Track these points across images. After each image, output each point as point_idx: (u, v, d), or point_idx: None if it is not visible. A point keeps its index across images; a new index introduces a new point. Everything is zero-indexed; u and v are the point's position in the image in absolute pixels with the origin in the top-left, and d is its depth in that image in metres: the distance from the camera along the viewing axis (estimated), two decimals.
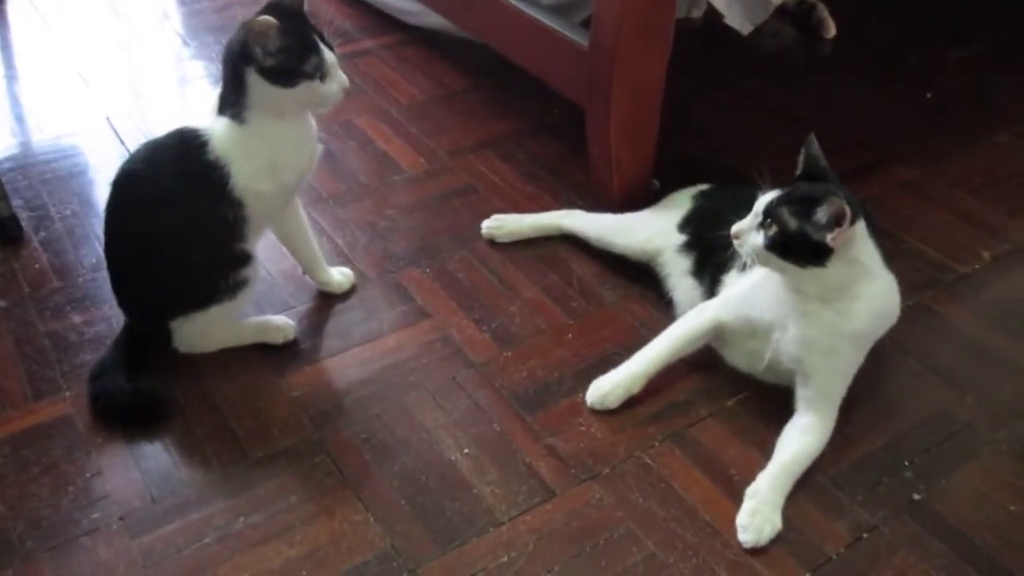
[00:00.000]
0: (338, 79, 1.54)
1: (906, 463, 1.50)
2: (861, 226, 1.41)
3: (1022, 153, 2.24)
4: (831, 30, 2.74)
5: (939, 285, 1.83)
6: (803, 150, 1.49)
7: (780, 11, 2.71)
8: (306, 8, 1.54)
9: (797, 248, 1.40)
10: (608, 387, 1.57)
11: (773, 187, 1.45)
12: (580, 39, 1.90)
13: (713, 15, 2.41)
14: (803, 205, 1.39)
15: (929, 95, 2.49)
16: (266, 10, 1.49)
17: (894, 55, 2.69)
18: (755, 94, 2.49)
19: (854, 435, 1.52)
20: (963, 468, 1.50)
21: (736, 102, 2.46)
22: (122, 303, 1.64)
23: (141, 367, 1.58)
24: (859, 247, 1.43)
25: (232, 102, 1.52)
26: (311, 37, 1.51)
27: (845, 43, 2.73)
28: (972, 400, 1.61)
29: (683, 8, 2.15)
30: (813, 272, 1.42)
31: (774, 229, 1.41)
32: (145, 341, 1.62)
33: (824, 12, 2.75)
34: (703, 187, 1.85)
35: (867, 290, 1.46)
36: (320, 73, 1.51)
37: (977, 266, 1.90)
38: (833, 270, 1.41)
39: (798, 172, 1.49)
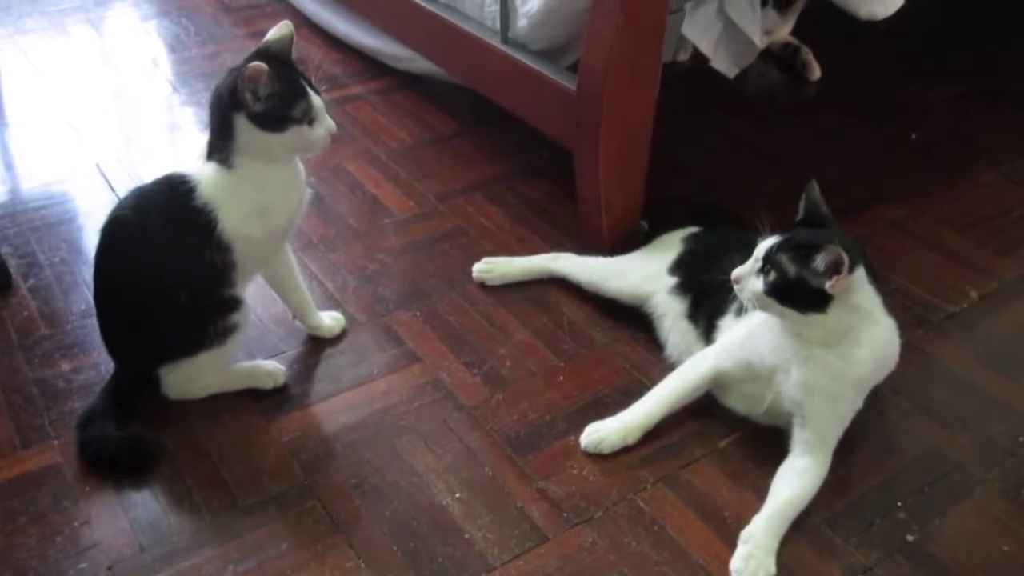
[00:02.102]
0: (325, 124, 1.55)
1: (899, 503, 1.50)
2: (861, 272, 1.42)
3: (1007, 192, 2.26)
4: (816, 72, 2.77)
5: (928, 324, 1.84)
6: (804, 195, 1.50)
7: (765, 54, 2.74)
8: (294, 54, 1.56)
9: (797, 295, 1.41)
10: (604, 433, 1.56)
11: (772, 232, 1.46)
12: (568, 83, 1.92)
13: (700, 59, 2.44)
14: (802, 252, 1.39)
15: (914, 135, 2.51)
16: (255, 56, 1.50)
17: (879, 96, 2.72)
18: (742, 136, 2.51)
19: (847, 476, 1.52)
20: (956, 508, 1.49)
21: (723, 144, 2.48)
22: (111, 350, 1.64)
23: (130, 414, 1.58)
24: (859, 293, 1.43)
25: (220, 147, 1.53)
26: (299, 82, 1.52)
27: (830, 85, 2.76)
28: (964, 439, 1.61)
29: (670, 52, 2.18)
30: (814, 318, 1.42)
31: (774, 275, 1.41)
32: (133, 388, 1.61)
33: (808, 55, 2.78)
34: (693, 229, 1.86)
35: (869, 335, 1.47)
36: (308, 118, 1.52)
37: (965, 305, 1.91)
38: (834, 316, 1.41)
39: (799, 217, 1.49)
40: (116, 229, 1.56)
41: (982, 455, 1.58)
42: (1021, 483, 1.53)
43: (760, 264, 1.44)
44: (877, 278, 1.48)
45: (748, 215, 1.75)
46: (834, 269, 1.36)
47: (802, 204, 1.50)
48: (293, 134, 1.52)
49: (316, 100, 1.53)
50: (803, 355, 1.47)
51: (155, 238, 1.53)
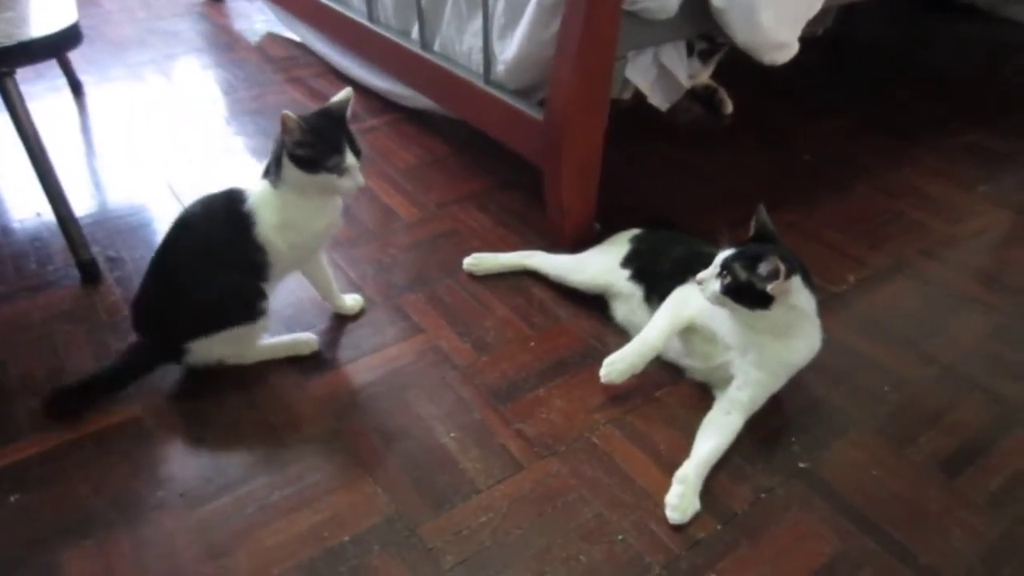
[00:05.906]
0: (354, 179, 1.52)
1: (794, 439, 1.52)
2: (797, 280, 1.41)
3: (877, 200, 2.29)
4: (729, 108, 2.79)
5: (816, 302, 1.85)
6: (754, 217, 1.49)
7: (690, 93, 2.75)
8: (348, 115, 1.54)
9: (746, 295, 1.41)
10: (620, 367, 1.54)
11: (729, 245, 1.46)
12: (537, 115, 1.92)
13: (639, 96, 2.45)
14: (750, 261, 1.40)
15: (806, 157, 2.53)
16: (315, 113, 1.50)
17: (778, 126, 2.73)
18: (673, 157, 2.52)
19: (755, 419, 1.53)
20: (838, 442, 1.52)
21: (658, 163, 2.49)
22: (148, 327, 1.58)
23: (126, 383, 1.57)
24: (794, 296, 1.42)
25: (272, 171, 1.53)
26: (340, 140, 1.49)
27: (740, 117, 2.78)
28: (843, 390, 1.64)
29: (616, 90, 2.18)
30: (759, 313, 1.42)
31: (728, 279, 1.42)
32: (152, 361, 1.58)
33: (723, 94, 2.80)
34: (636, 231, 1.85)
35: (804, 330, 1.48)
36: (338, 170, 1.50)
37: (845, 287, 1.93)
38: (775, 312, 1.41)
39: (751, 234, 1.49)
40: (184, 220, 1.56)
41: (857, 402, 1.61)
42: (887, 423, 1.56)
43: (718, 270, 1.44)
44: (814, 286, 1.47)
45: (680, 219, 1.77)
46: (774, 275, 1.37)
47: (753, 223, 1.49)
48: (322, 179, 1.50)
49: (350, 159, 1.50)
50: (756, 343, 1.47)
51: (213, 229, 1.53)
